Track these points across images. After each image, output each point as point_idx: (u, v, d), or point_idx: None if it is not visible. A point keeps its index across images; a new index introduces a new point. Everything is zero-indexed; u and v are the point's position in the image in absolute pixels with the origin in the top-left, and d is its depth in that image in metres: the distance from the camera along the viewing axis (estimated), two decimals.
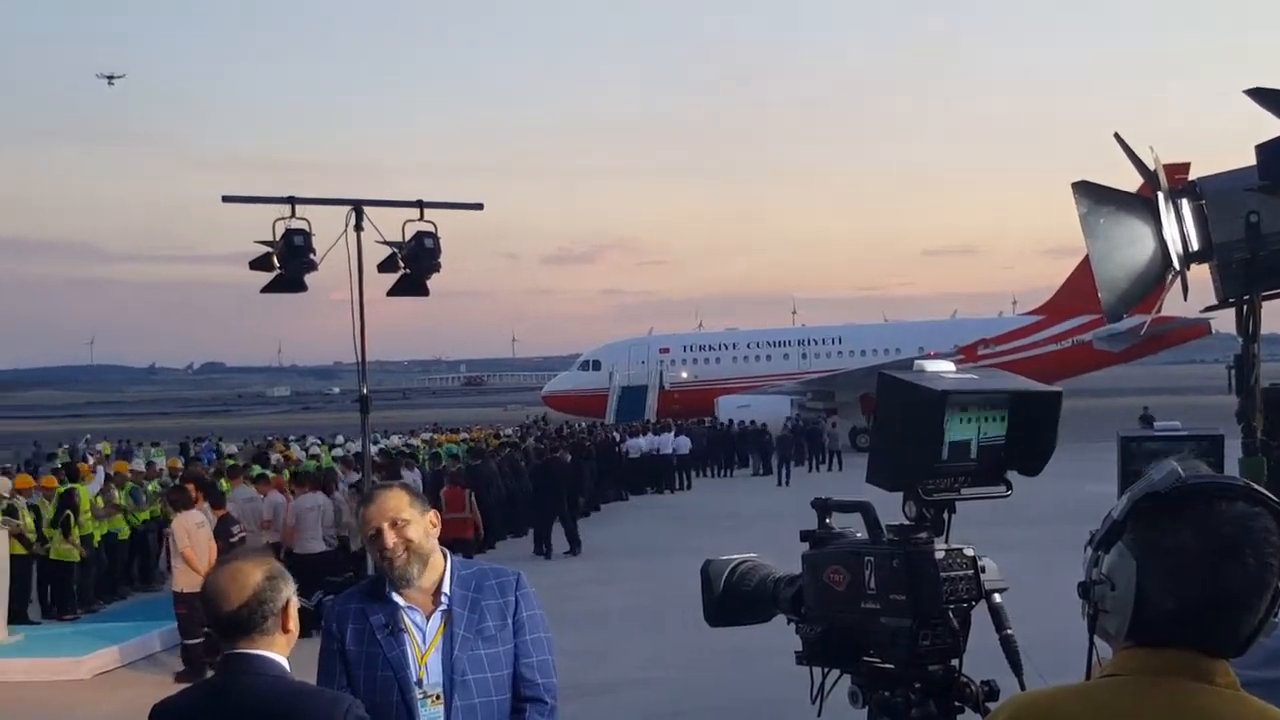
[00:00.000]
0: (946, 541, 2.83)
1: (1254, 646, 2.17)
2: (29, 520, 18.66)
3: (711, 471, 45.30)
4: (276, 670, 3.64)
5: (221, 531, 15.58)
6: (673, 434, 42.50)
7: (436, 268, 14.68)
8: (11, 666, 14.76)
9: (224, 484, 20.28)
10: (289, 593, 3.71)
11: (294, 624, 3.71)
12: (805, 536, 3.07)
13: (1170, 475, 2.19)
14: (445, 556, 4.48)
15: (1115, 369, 62.07)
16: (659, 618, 16.25)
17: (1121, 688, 2.15)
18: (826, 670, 3.00)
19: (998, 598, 2.82)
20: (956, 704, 2.82)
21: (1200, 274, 3.87)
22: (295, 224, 14.00)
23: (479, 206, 15.96)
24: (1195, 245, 3.68)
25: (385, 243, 14.55)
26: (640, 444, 40.93)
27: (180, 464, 31.37)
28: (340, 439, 42.68)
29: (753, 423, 48.42)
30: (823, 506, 3.08)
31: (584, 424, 49.05)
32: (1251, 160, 3.85)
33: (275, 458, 31.38)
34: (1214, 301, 4.05)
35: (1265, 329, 4.06)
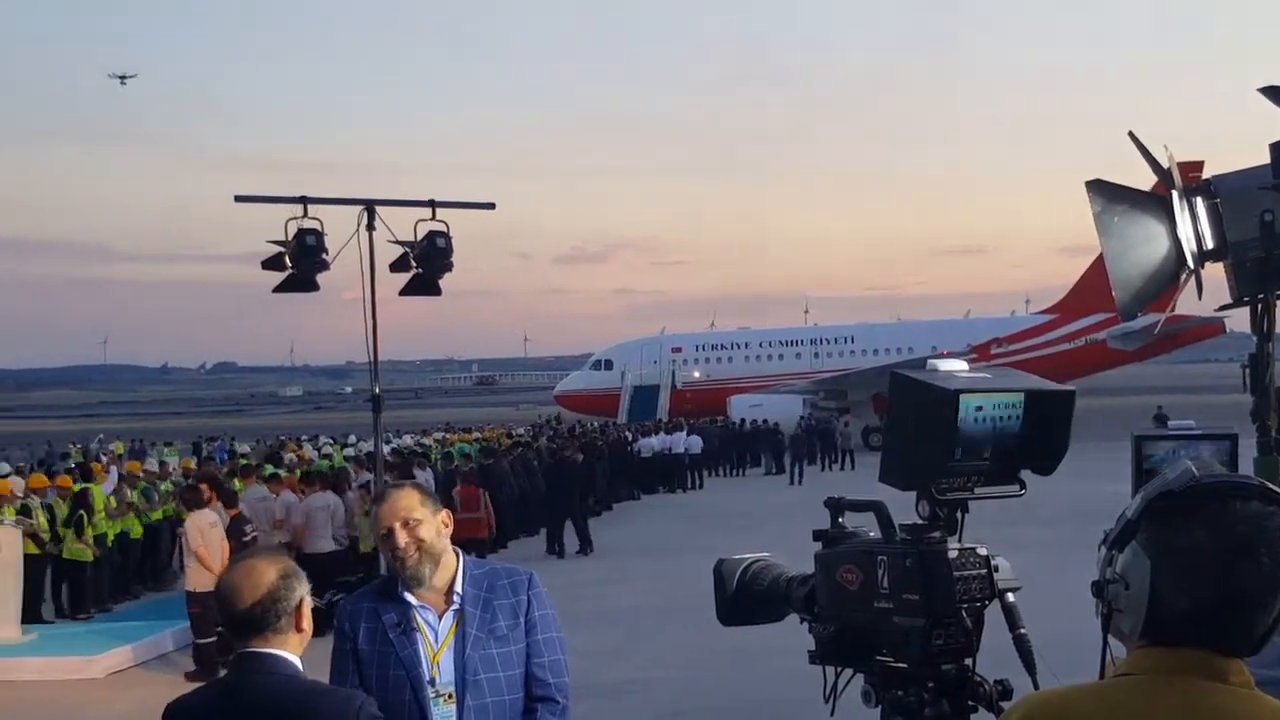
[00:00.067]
0: (960, 541, 2.83)
1: (1269, 645, 2.17)
2: (42, 520, 18.71)
3: (723, 471, 45.27)
4: (290, 669, 3.64)
5: (234, 531, 15.61)
6: (685, 433, 42.50)
7: (449, 267, 14.67)
8: (25, 665, 14.80)
9: (237, 483, 20.32)
10: (303, 592, 3.71)
11: (308, 623, 3.72)
12: (818, 536, 3.06)
13: (1184, 474, 2.19)
14: (457, 556, 4.48)
15: (1129, 368, 61.87)
16: (671, 617, 16.25)
17: (1135, 687, 2.15)
18: (839, 670, 3.00)
19: (1011, 597, 2.82)
20: (970, 703, 2.82)
21: (1214, 272, 3.86)
22: (307, 224, 14.01)
23: (491, 206, 15.95)
24: (1209, 244, 3.67)
25: (397, 242, 14.54)
26: (652, 443, 40.94)
27: (193, 464, 31.45)
28: (352, 438, 42.72)
29: (765, 422, 48.38)
30: (835, 506, 3.08)
31: (595, 423, 49.00)
32: (1266, 159, 3.84)
33: (289, 457, 31.42)
34: (1228, 300, 4.04)
35: None
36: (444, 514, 4.46)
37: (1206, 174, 3.86)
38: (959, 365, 2.87)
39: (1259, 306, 3.89)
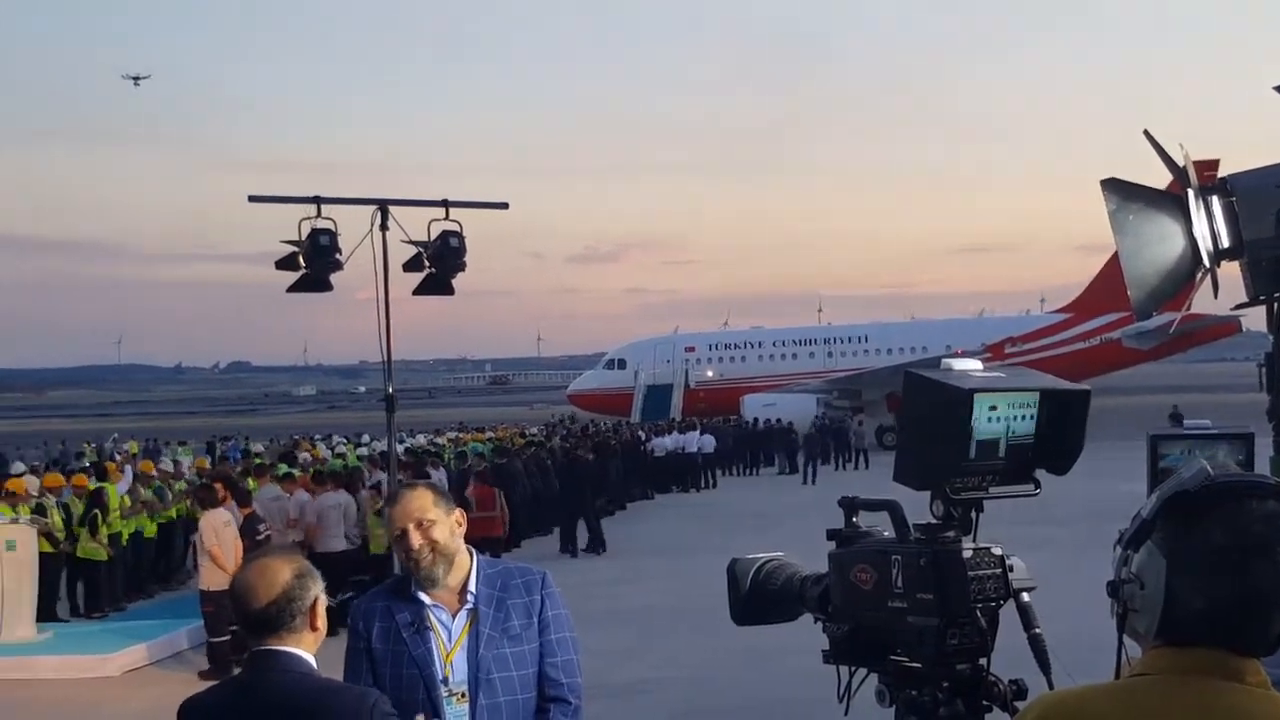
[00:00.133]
0: (974, 540, 2.83)
1: None
2: (57, 519, 18.76)
3: (737, 470, 45.23)
4: (304, 667, 3.65)
5: (247, 530, 15.63)
6: (698, 433, 42.48)
7: (462, 267, 14.69)
8: (41, 664, 14.85)
9: (251, 483, 20.35)
10: (317, 591, 3.72)
11: (322, 622, 3.72)
12: (832, 535, 3.06)
13: (1200, 474, 2.18)
14: (471, 555, 4.48)
15: (1144, 367, 61.71)
16: (685, 617, 16.24)
17: (1151, 687, 2.14)
18: (853, 669, 3.00)
19: (1026, 596, 2.82)
20: (984, 703, 2.82)
21: (1230, 271, 3.85)
22: (321, 223, 14.03)
23: (504, 206, 15.97)
24: (1225, 242, 3.65)
25: (410, 242, 14.56)
26: (665, 443, 40.92)
27: (207, 463, 31.50)
28: (366, 438, 42.75)
29: (778, 421, 48.32)
30: (850, 505, 3.08)
31: (608, 423, 48.95)
32: None
33: (303, 456, 31.46)
34: (1244, 299, 4.03)
35: None
36: (457, 514, 4.46)
37: (1222, 172, 3.84)
38: (973, 365, 2.87)
39: (1275, 305, 3.88)
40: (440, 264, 14.55)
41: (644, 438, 41.45)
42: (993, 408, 2.76)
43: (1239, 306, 4.15)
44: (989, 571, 2.78)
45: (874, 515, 3.04)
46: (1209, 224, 3.68)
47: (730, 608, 3.26)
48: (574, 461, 27.77)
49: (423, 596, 4.38)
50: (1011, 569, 2.82)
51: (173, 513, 22.55)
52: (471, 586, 4.41)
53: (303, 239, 14.03)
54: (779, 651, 10.37)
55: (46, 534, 17.62)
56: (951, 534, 2.81)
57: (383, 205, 13.90)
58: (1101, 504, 18.59)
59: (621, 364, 62.40)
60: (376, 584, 5.76)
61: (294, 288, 14.39)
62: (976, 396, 2.72)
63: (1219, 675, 2.11)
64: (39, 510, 17.96)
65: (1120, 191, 3.72)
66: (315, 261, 14.08)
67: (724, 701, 12.48)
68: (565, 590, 4.63)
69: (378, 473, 22.33)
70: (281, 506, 18.45)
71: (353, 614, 4.49)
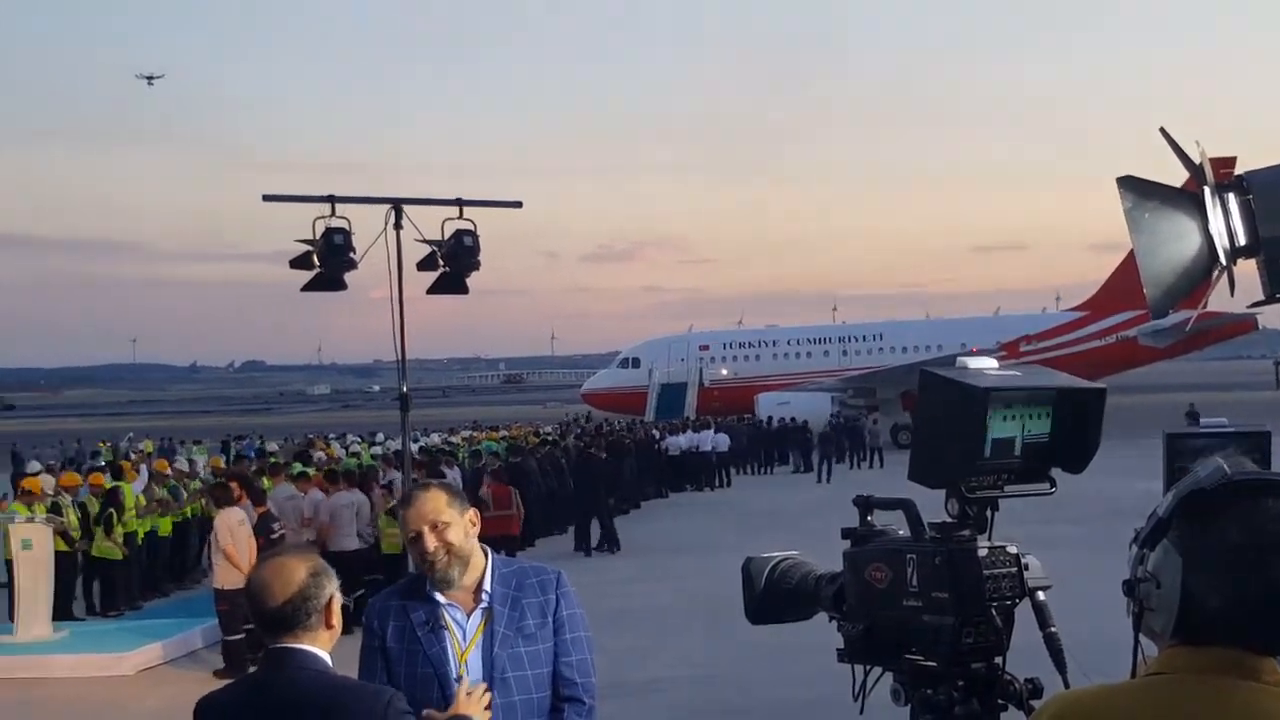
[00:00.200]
0: (990, 539, 2.82)
1: None
2: (73, 518, 18.80)
3: (751, 469, 45.19)
4: (320, 665, 3.65)
5: (262, 528, 15.65)
6: (712, 431, 42.43)
7: (476, 266, 14.69)
8: (57, 663, 14.88)
9: (265, 482, 20.38)
10: (332, 589, 3.72)
11: (337, 620, 3.73)
12: (847, 534, 3.06)
13: (1216, 472, 2.17)
14: (486, 554, 4.48)
15: (1160, 365, 61.49)
16: (699, 615, 16.24)
17: (1166, 686, 2.13)
18: (868, 668, 2.99)
19: (1041, 595, 2.81)
20: (1000, 702, 2.82)
21: (1247, 269, 3.83)
22: (335, 223, 14.05)
23: (518, 204, 15.98)
24: (1242, 240, 3.63)
25: (425, 241, 14.56)
26: (680, 441, 40.88)
27: (222, 462, 31.55)
28: (380, 436, 42.77)
29: (793, 420, 48.26)
30: (864, 504, 3.08)
31: (621, 422, 48.86)
32: None
33: (318, 456, 31.49)
34: (1260, 297, 4.01)
35: None
36: (471, 513, 4.45)
37: (1239, 169, 3.83)
38: (989, 363, 2.86)
39: None
40: (454, 263, 14.56)
41: (658, 436, 41.39)
42: (1008, 406, 2.75)
43: (1255, 304, 4.13)
44: (1004, 570, 2.78)
45: (889, 514, 3.04)
46: (1225, 221, 3.67)
47: (745, 606, 3.25)
48: (588, 460, 27.77)
49: (437, 595, 4.37)
50: (1027, 568, 2.82)
51: (188, 511, 22.61)
52: (486, 586, 4.40)
53: (317, 238, 14.06)
54: (794, 650, 10.35)
55: (62, 533, 17.67)
56: (967, 533, 2.80)
57: (397, 204, 13.91)
58: (1117, 502, 18.63)
59: (636, 363, 62.31)
60: (389, 583, 5.76)
61: (308, 287, 14.42)
62: (992, 395, 2.71)
63: (1235, 674, 2.10)
64: (55, 509, 18.01)
65: (1136, 189, 3.71)
66: (329, 260, 14.10)
67: (738, 700, 12.47)
68: (579, 589, 4.63)
69: (392, 471, 22.35)
70: (296, 505, 18.47)
71: (368, 613, 4.50)
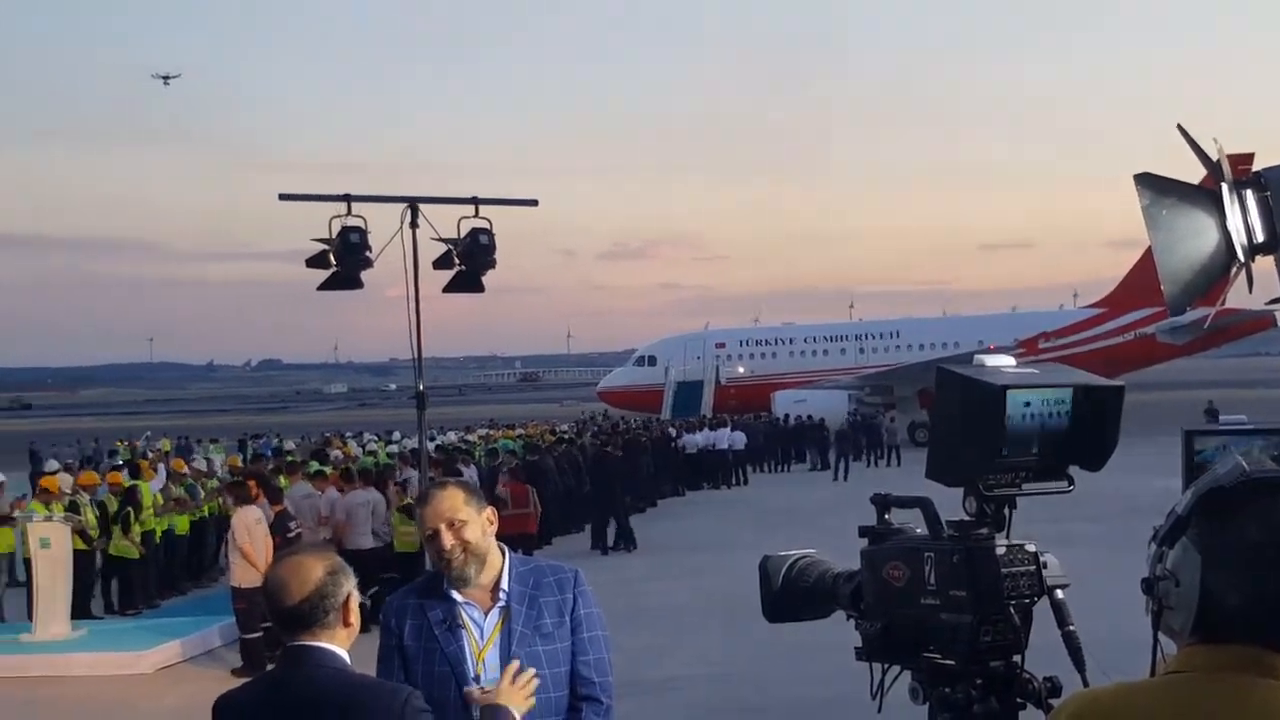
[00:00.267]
0: (1008, 537, 2.81)
1: None
2: (91, 516, 18.85)
3: (768, 467, 45.15)
4: (338, 663, 3.65)
5: (278, 527, 15.68)
6: (729, 429, 42.38)
7: (492, 264, 14.70)
8: (75, 661, 14.92)
9: (282, 480, 20.42)
10: (350, 587, 3.73)
11: (355, 618, 3.73)
12: (864, 532, 3.06)
13: (1235, 469, 2.17)
14: (503, 553, 4.47)
15: (1179, 362, 61.26)
16: (716, 614, 16.23)
17: (1185, 684, 2.13)
18: (886, 666, 2.99)
19: (1060, 594, 2.81)
20: (1018, 700, 2.81)
21: (1265, 266, 3.82)
22: (351, 221, 14.07)
23: (534, 203, 15.98)
24: (1260, 237, 3.62)
25: (441, 239, 14.58)
26: (696, 439, 40.84)
27: (240, 461, 31.63)
28: (396, 435, 42.82)
29: (810, 418, 48.21)
30: (882, 502, 3.07)
31: (637, 420, 48.79)
32: None
33: (335, 454, 31.55)
34: (1279, 294, 4.00)
35: None
36: (488, 511, 4.45)
37: (1257, 166, 3.82)
38: (1006, 360, 2.86)
39: None
40: (470, 261, 14.57)
41: (675, 434, 41.37)
42: (1026, 404, 2.75)
43: (1273, 301, 4.12)
44: (1023, 568, 2.77)
45: (906, 512, 3.04)
46: (1243, 218, 3.66)
47: (762, 605, 3.25)
48: (604, 459, 27.77)
49: (455, 594, 4.37)
50: (1045, 566, 2.81)
51: (205, 510, 22.67)
52: (504, 584, 4.40)
53: (333, 237, 14.08)
54: (811, 649, 10.35)
55: (80, 531, 17.71)
56: (985, 531, 2.80)
57: (413, 203, 13.93)
58: (1136, 500, 18.58)
59: (652, 361, 62.27)
60: (405, 581, 5.76)
61: (325, 285, 14.44)
62: (1009, 393, 2.71)
63: (1255, 672, 2.10)
64: (73, 508, 18.05)
65: (1154, 186, 3.70)
66: (346, 259, 14.13)
67: (756, 699, 12.46)
68: (596, 587, 4.62)
69: (409, 470, 22.38)
70: (313, 504, 18.50)
71: (385, 611, 4.49)
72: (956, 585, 2.75)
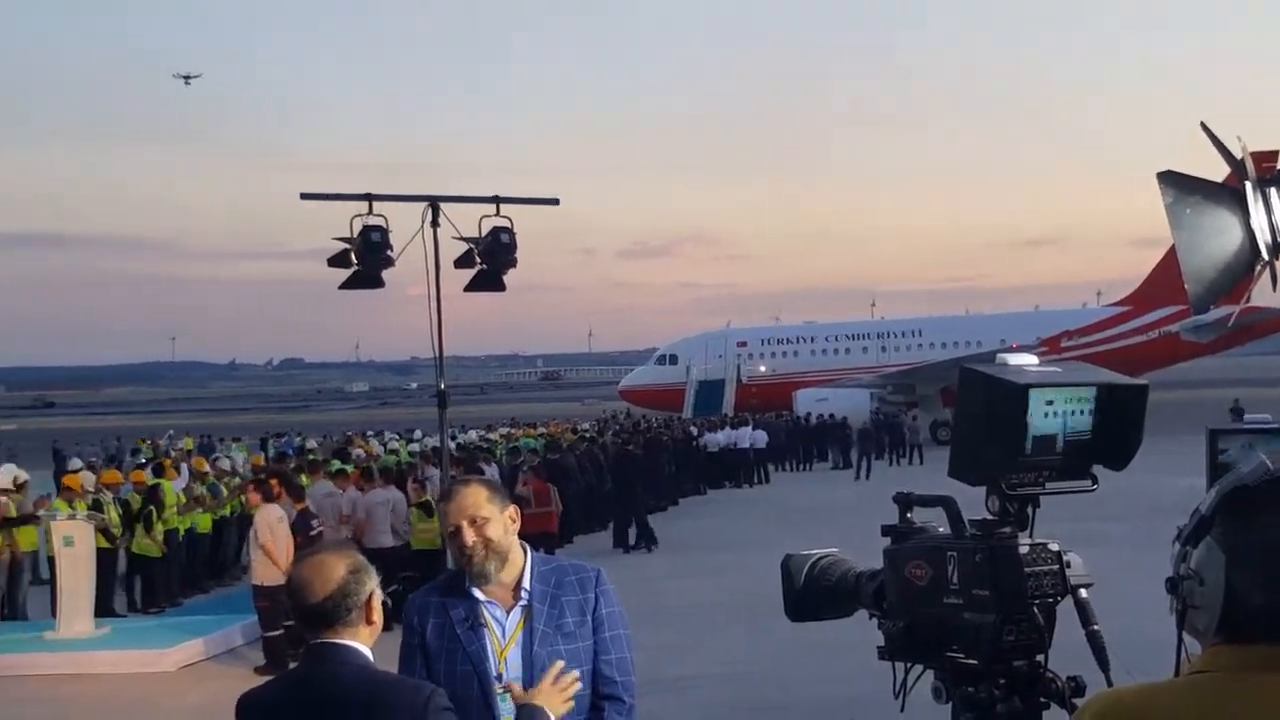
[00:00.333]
0: (1031, 536, 2.81)
1: None
2: (114, 515, 18.93)
3: (790, 466, 45.10)
4: (361, 660, 3.66)
5: (300, 525, 15.71)
6: (750, 428, 42.32)
7: (513, 263, 14.71)
8: (99, 659, 14.97)
9: (304, 479, 20.48)
10: (372, 585, 3.74)
11: (378, 616, 3.74)
12: (886, 531, 3.05)
13: (1259, 468, 2.16)
14: (525, 551, 4.47)
15: (1203, 360, 60.96)
16: (738, 612, 16.21)
17: (1210, 684, 2.12)
18: (909, 666, 2.98)
19: (1084, 593, 2.80)
20: (1042, 700, 2.80)
21: None
22: (372, 220, 14.09)
23: (555, 202, 15.96)
24: None
25: (462, 238, 14.59)
26: (718, 438, 40.82)
27: (263, 460, 31.70)
28: (418, 433, 42.88)
29: (831, 416, 48.15)
30: (904, 501, 3.07)
31: (658, 419, 48.75)
32: None
33: (356, 453, 31.60)
34: None
35: None
36: (511, 510, 4.45)
37: None
38: (1029, 359, 2.85)
39: None
40: (491, 260, 14.57)
41: (696, 433, 41.34)
42: (1049, 403, 2.74)
43: None
44: (1046, 568, 2.77)
45: (929, 511, 3.03)
46: (1267, 216, 3.65)
47: (785, 603, 3.25)
48: (625, 457, 27.77)
49: (477, 593, 4.37)
50: (1069, 565, 2.81)
51: (227, 509, 22.73)
52: (526, 583, 4.40)
53: (355, 236, 14.10)
54: (834, 648, 10.35)
55: (104, 530, 17.77)
56: (1008, 530, 2.79)
57: (434, 202, 13.94)
58: (1160, 500, 18.49)
59: (673, 359, 62.24)
60: (424, 578, 5.76)
61: (346, 284, 14.46)
62: (1032, 391, 2.70)
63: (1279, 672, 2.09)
64: (96, 506, 18.13)
65: (1177, 185, 3.69)
66: (367, 258, 14.15)
67: (778, 697, 12.44)
68: (617, 586, 4.62)
69: (430, 468, 22.42)
70: (334, 502, 18.53)
71: (407, 610, 4.49)
72: (979, 584, 2.75)
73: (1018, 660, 2.78)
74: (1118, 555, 13.85)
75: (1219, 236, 3.65)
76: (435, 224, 13.82)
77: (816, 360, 60.10)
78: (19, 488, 19.22)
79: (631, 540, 25.11)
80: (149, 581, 19.71)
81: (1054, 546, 2.81)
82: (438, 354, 14.05)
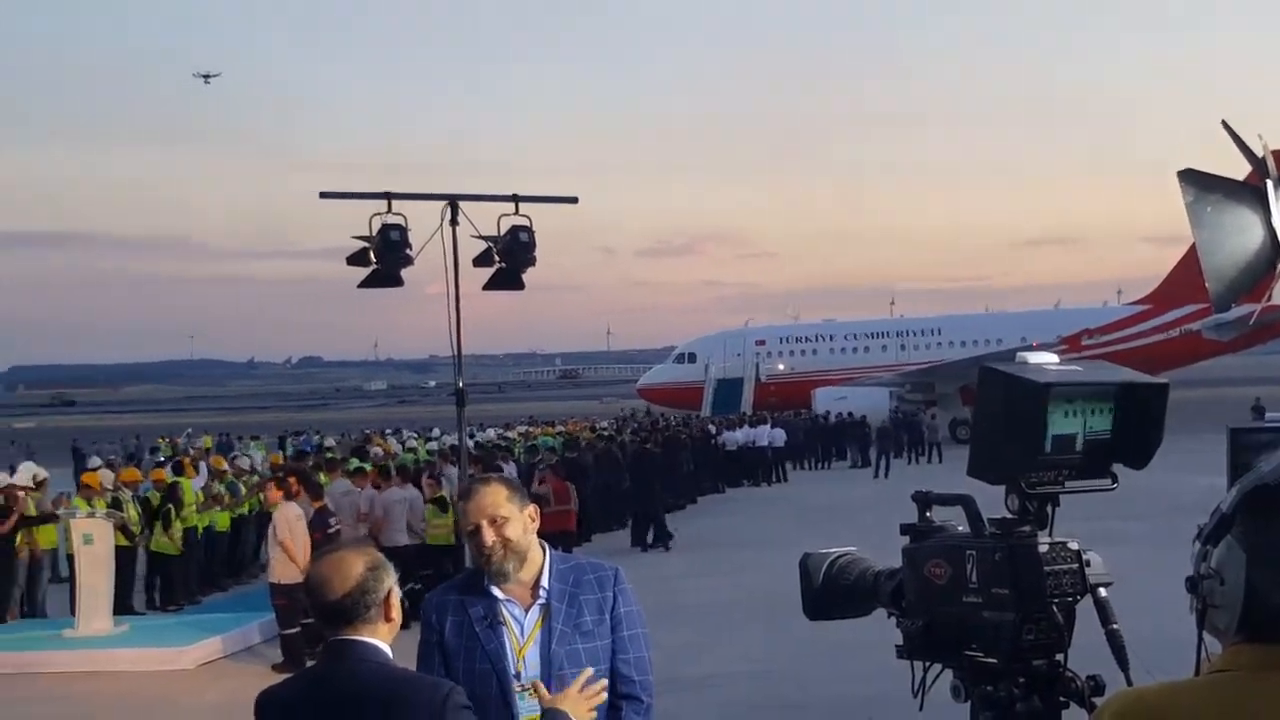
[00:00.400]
0: (1050, 535, 2.80)
1: None
2: (133, 513, 18.99)
3: (808, 464, 45.08)
4: (380, 657, 3.67)
5: (318, 523, 15.73)
6: (769, 426, 42.30)
7: (532, 261, 14.73)
8: (117, 657, 15.01)
9: (322, 477, 20.53)
10: (390, 583, 3.75)
11: (396, 613, 3.75)
12: (905, 530, 3.04)
13: None
14: (544, 550, 4.48)
15: (1224, 359, 60.68)
16: (756, 611, 16.20)
17: (1230, 684, 2.11)
18: (928, 664, 2.98)
19: (1104, 592, 2.79)
20: (1061, 699, 2.79)
21: None
22: (391, 219, 14.12)
23: (574, 200, 15.97)
24: None
25: (480, 237, 14.61)
26: (736, 436, 40.81)
27: (281, 459, 31.76)
28: (436, 431, 42.93)
29: (850, 415, 48.11)
30: (923, 500, 3.06)
31: (676, 417, 48.74)
32: None
33: (375, 451, 31.64)
34: None
35: None
36: (530, 509, 4.44)
37: None
38: (1049, 358, 2.84)
39: None
40: (510, 259, 14.59)
41: (715, 432, 41.33)
42: (1069, 401, 2.73)
43: None
44: (1065, 566, 2.76)
45: (948, 510, 3.02)
46: None
47: (803, 602, 3.25)
48: (643, 456, 27.77)
49: (495, 591, 4.37)
50: (1088, 564, 2.80)
51: (245, 507, 22.79)
52: (544, 582, 4.40)
53: (373, 235, 14.13)
54: (852, 646, 10.34)
55: (122, 528, 17.83)
56: (1027, 529, 2.78)
57: (453, 200, 13.97)
58: (1180, 498, 18.40)
59: (691, 358, 62.25)
60: (440, 573, 5.77)
61: (365, 283, 14.50)
62: (1053, 390, 2.69)
63: None
64: (115, 504, 18.19)
65: (1197, 183, 3.67)
66: (386, 257, 14.18)
67: (796, 696, 12.43)
68: (635, 585, 4.62)
69: (448, 467, 22.44)
70: (352, 501, 18.56)
71: (425, 608, 4.50)
72: (999, 583, 2.74)
73: (1037, 659, 2.78)
74: (1138, 554, 13.81)
75: (1240, 235, 3.64)
76: (454, 223, 13.85)
77: (835, 359, 60.04)
78: (38, 486, 19.27)
79: (649, 539, 25.10)
80: (167, 579, 19.78)
81: (1073, 545, 2.80)
82: (456, 352, 14.08)
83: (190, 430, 58.39)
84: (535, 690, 4.06)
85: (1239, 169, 3.86)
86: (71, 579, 16.62)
